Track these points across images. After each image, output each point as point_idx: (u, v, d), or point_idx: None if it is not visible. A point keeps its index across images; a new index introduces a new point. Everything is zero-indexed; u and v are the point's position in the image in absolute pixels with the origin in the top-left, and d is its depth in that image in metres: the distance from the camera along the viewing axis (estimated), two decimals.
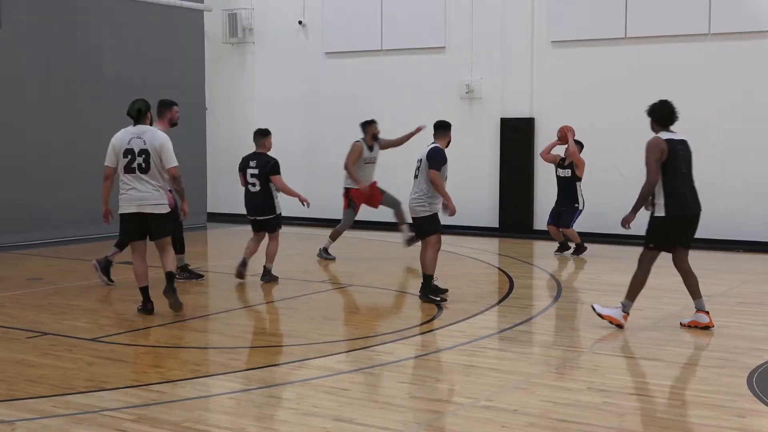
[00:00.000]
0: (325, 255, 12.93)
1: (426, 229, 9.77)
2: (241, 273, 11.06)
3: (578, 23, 15.33)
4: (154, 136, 8.93)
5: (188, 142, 16.91)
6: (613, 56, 15.10)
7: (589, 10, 15.22)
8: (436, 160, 9.57)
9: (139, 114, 8.96)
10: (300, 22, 17.79)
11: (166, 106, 10.61)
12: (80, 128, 15.07)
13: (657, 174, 8.20)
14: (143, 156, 8.83)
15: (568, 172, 13.21)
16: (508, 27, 15.89)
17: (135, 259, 9.14)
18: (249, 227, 11.26)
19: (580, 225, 13.40)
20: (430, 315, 9.12)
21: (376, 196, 12.92)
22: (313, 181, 17.20)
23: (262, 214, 10.98)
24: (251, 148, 11.17)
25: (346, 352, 7.74)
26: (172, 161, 8.94)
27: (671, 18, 14.58)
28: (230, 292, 10.75)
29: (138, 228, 8.99)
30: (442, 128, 9.89)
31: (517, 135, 15.79)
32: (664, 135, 8.34)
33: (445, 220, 9.89)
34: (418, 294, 9.78)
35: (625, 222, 8.40)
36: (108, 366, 7.19)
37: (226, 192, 18.21)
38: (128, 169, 8.88)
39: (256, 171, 10.88)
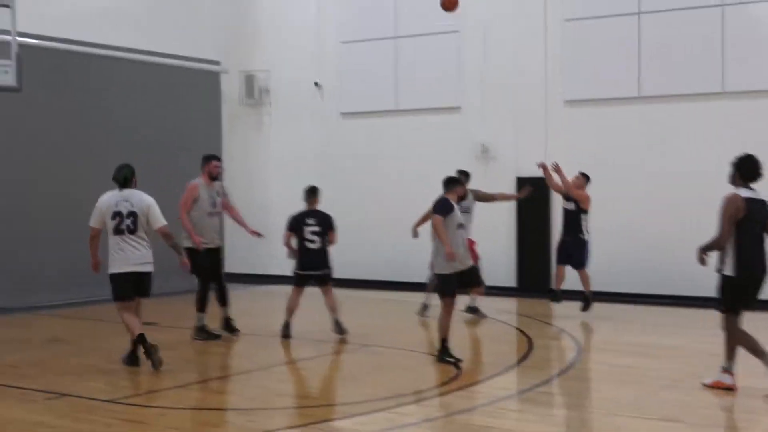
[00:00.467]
0: (424, 313, 12.86)
1: (440, 288, 9.76)
2: (287, 334, 11.19)
3: (591, 82, 15.42)
4: (141, 198, 9.47)
5: None
6: (627, 115, 15.16)
7: (602, 70, 15.32)
8: (438, 205, 9.75)
9: (125, 180, 9.51)
10: (316, 84, 17.96)
11: (205, 160, 11.39)
12: (97, 189, 15.11)
13: (729, 232, 8.05)
14: (131, 218, 9.35)
15: (572, 205, 13.14)
16: (521, 87, 16.00)
17: (129, 316, 9.39)
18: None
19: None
20: (449, 375, 9.06)
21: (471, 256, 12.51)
22: (345, 237, 17.28)
23: (323, 268, 11.30)
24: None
25: (366, 413, 7.67)
26: (160, 221, 9.45)
27: (684, 77, 14.66)
28: (248, 352, 10.71)
29: (133, 286, 9.39)
30: (450, 183, 10.06)
31: (532, 194, 15.78)
32: (743, 192, 8.20)
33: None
34: (435, 355, 9.73)
35: (700, 261, 8.28)
36: (125, 428, 7.16)
37: (242, 252, 18.23)
38: (117, 231, 9.36)
39: (317, 228, 11.19)
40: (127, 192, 9.47)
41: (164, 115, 16.57)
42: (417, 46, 16.92)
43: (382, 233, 16.79)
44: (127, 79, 16.06)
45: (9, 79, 12.12)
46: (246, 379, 9.18)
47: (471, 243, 12.74)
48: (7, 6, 12.09)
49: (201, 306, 11.21)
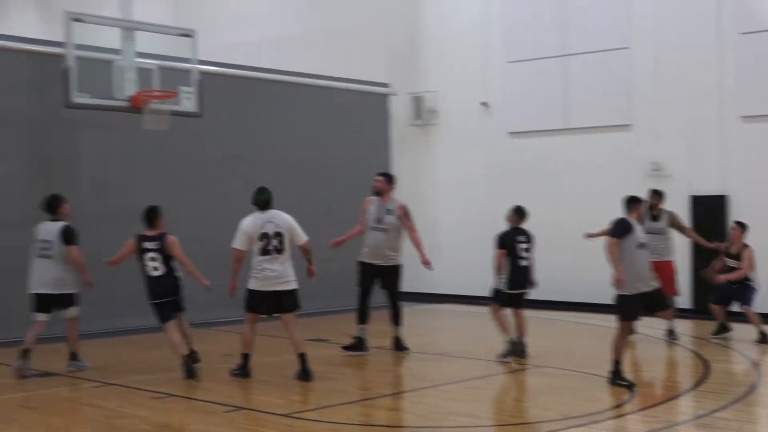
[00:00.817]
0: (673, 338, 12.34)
1: (619, 309, 9.52)
2: (522, 351, 11.02)
3: None
4: (283, 218, 9.93)
5: None
6: None
7: None
8: (614, 227, 9.50)
9: (266, 203, 9.97)
10: (483, 104, 17.99)
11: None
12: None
13: None
14: (278, 238, 9.77)
15: (735, 263, 12.54)
16: (695, 102, 15.50)
17: (249, 329, 10.00)
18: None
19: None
20: (622, 399, 8.85)
21: (667, 286, 11.76)
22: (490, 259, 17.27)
23: (531, 286, 11.22)
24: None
25: None
26: (303, 237, 9.96)
27: None
28: (417, 370, 10.79)
29: (270, 304, 9.87)
30: (629, 202, 9.79)
31: (708, 213, 15.27)
32: None
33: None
34: (607, 377, 9.51)
35: None
36: None
37: (410, 271, 18.35)
38: (264, 251, 9.77)
39: (529, 245, 11.15)
40: (270, 213, 9.93)
41: (335, 137, 16.96)
42: (585, 64, 16.69)
43: (550, 253, 16.56)
44: (300, 103, 16.53)
45: (191, 105, 12.80)
46: (415, 396, 9.25)
47: (670, 269, 12.42)
48: (189, 36, 12.77)
49: (358, 318, 11.50)
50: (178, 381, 9.81)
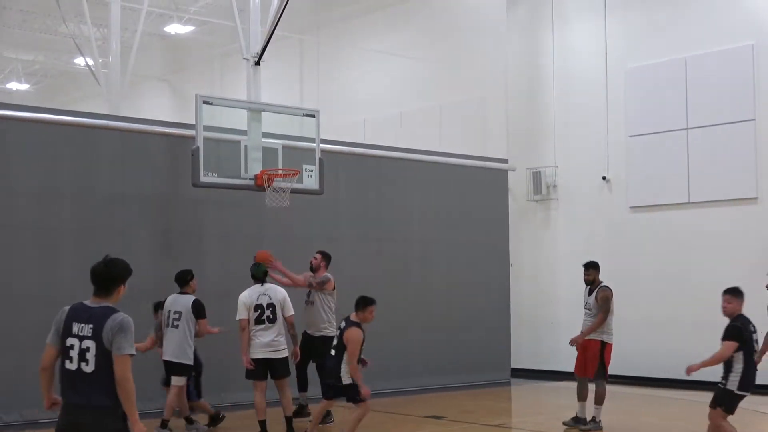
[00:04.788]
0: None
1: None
2: None
3: None
4: (277, 291, 10.86)
5: (492, 297, 17.22)
6: None
7: None
8: None
9: (264, 275, 10.92)
10: (604, 178, 17.87)
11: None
12: (388, 282, 15.73)
13: None
14: (270, 309, 10.68)
15: None
16: None
17: (258, 396, 10.67)
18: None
19: None
20: None
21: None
22: (630, 335, 17.00)
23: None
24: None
25: None
26: (290, 311, 10.79)
27: None
28: None
29: (264, 369, 10.65)
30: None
31: None
32: None
33: None
34: None
35: None
36: None
37: (529, 347, 18.23)
38: (258, 321, 10.64)
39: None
40: (265, 286, 10.85)
41: (453, 213, 17.04)
42: (709, 137, 16.39)
43: (670, 332, 16.25)
44: (419, 179, 16.70)
45: (312, 182, 13.13)
46: None
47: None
48: (312, 116, 13.19)
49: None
50: None
